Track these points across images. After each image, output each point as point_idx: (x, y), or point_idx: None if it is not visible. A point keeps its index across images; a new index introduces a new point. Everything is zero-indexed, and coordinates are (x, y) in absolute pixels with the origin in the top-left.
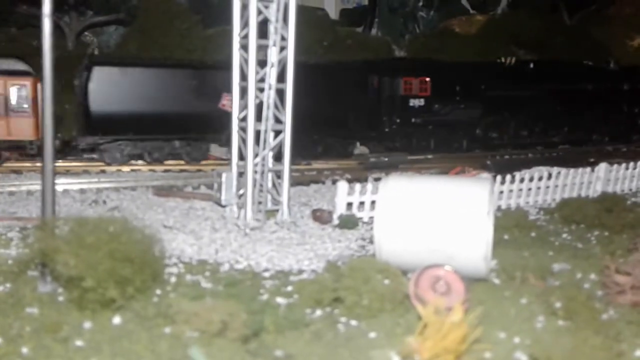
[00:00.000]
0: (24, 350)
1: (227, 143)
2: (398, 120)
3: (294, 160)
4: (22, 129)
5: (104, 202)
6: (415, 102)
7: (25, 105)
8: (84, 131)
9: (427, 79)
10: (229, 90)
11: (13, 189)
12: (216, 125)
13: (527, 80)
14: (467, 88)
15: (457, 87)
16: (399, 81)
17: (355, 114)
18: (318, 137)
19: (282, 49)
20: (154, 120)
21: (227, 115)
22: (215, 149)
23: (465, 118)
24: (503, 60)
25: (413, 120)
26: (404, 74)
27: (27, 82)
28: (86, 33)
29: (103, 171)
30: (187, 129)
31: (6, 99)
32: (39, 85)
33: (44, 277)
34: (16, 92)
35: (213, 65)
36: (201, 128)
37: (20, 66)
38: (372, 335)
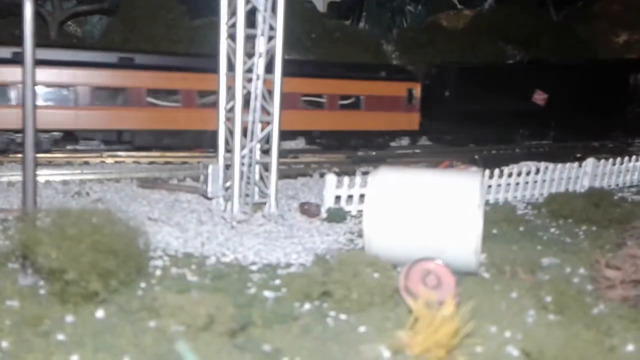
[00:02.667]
0: (4, 344)
1: None
2: (638, 110)
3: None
4: (410, 121)
5: (87, 193)
6: None
7: (414, 103)
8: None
9: None
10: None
11: None
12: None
13: None
14: None
15: None
16: None
17: (610, 103)
18: (580, 121)
19: (271, 38)
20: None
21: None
22: None
23: None
24: None
25: None
26: None
27: (417, 85)
28: (69, 22)
29: (86, 162)
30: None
31: (403, 98)
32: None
33: (25, 270)
34: (409, 92)
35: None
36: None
37: (407, 72)
38: (362, 329)
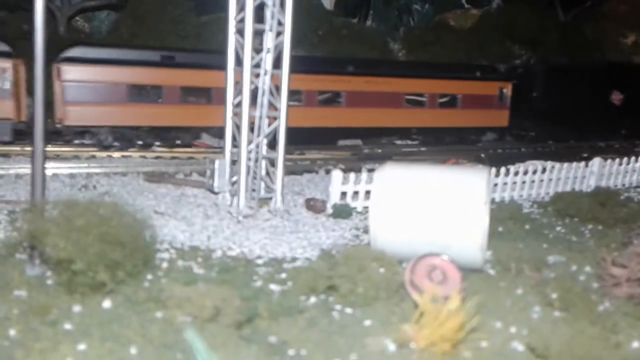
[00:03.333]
0: (12, 332)
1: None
2: None
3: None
4: (500, 118)
5: (94, 187)
6: None
7: (505, 101)
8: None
9: None
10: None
11: (1, 172)
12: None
13: None
14: None
15: None
16: None
17: None
18: None
19: (279, 34)
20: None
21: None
22: (205, 137)
23: None
24: None
25: None
26: None
27: (509, 84)
28: (77, 18)
29: (93, 156)
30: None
31: (495, 97)
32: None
33: (33, 260)
34: (500, 91)
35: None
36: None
37: (499, 73)
38: (367, 323)
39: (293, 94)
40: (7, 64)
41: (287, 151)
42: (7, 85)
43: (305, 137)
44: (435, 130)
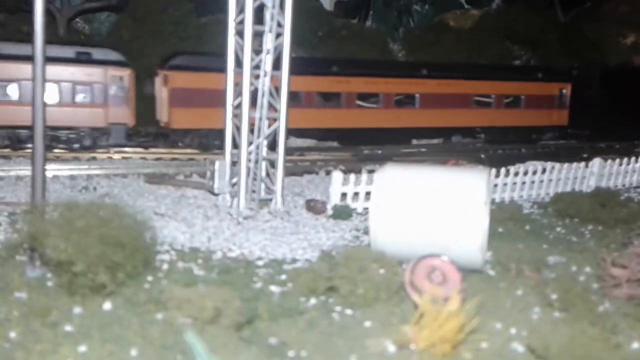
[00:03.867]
0: (12, 334)
1: None
2: None
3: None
4: (561, 118)
5: (94, 188)
6: None
7: (564, 101)
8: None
9: None
10: None
11: (2, 174)
12: None
13: None
14: None
15: None
16: None
17: None
18: None
19: (278, 35)
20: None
21: None
22: None
23: None
24: None
25: None
26: None
27: (568, 85)
28: (77, 19)
29: (93, 158)
30: None
31: (556, 97)
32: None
33: (33, 262)
34: (560, 92)
35: None
36: None
37: (559, 74)
38: (368, 324)
39: (370, 97)
40: (124, 73)
41: (287, 152)
42: (124, 92)
43: (382, 137)
44: (499, 129)
